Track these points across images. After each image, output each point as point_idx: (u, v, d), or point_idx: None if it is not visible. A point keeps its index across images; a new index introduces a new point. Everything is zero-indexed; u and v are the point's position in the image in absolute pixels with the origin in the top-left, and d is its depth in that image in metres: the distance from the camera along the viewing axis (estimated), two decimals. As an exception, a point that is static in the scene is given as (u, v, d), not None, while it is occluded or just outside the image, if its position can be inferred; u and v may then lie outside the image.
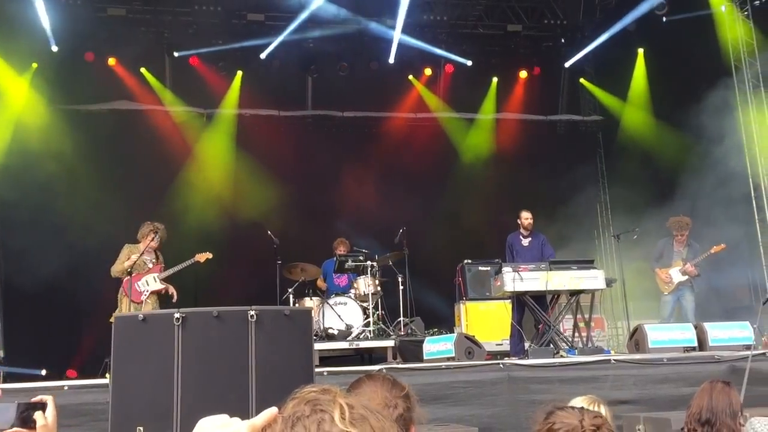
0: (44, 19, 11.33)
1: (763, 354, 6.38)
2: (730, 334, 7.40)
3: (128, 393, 4.53)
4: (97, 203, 11.25)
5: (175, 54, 12.92)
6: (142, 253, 7.98)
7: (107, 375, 5.74)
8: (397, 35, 12.93)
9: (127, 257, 7.96)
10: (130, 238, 8.46)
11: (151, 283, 8.01)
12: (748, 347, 6.88)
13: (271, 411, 1.20)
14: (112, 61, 12.68)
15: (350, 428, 1.12)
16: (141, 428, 4.29)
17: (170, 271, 8.22)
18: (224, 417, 1.22)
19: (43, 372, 9.67)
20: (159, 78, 13.13)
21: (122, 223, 9.90)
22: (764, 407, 5.17)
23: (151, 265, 8.12)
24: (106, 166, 11.81)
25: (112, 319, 4.94)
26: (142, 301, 7.89)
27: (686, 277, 9.12)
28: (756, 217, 10.93)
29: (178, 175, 12.52)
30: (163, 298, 8.15)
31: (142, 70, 12.91)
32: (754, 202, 10.93)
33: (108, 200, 11.39)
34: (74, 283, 11.16)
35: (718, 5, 11.41)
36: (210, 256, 8.39)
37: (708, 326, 7.47)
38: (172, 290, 8.16)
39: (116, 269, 7.96)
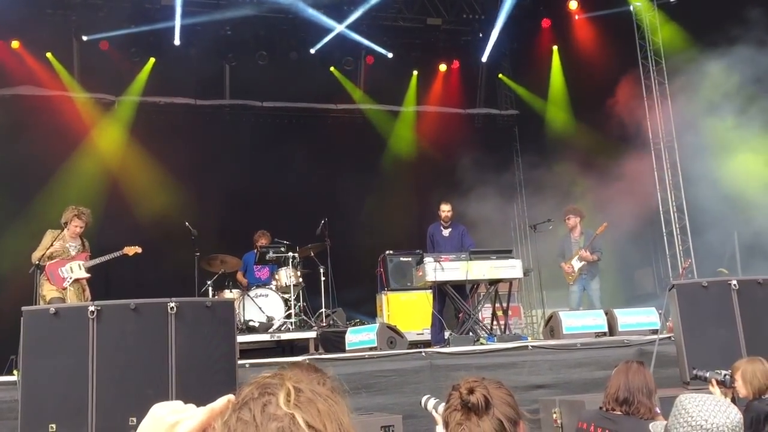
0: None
1: (668, 338, 6.71)
2: (637, 319, 7.76)
3: (39, 390, 4.33)
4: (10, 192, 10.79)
5: (84, 38, 12.36)
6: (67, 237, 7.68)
7: (15, 371, 5.45)
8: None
9: (50, 243, 7.58)
10: (34, 228, 8.09)
11: (75, 270, 7.67)
12: (654, 332, 7.25)
13: (228, 397, 1.18)
14: (15, 44, 12.02)
15: (294, 411, 1.11)
16: (53, 426, 4.12)
17: (96, 261, 7.89)
18: (179, 403, 1.19)
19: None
20: (66, 63, 12.55)
21: (24, 213, 9.45)
22: (670, 388, 5.46)
23: (74, 252, 7.76)
24: (8, 153, 11.21)
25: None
26: (65, 288, 7.54)
27: (583, 263, 9.51)
28: (660, 208, 11.51)
29: (87, 164, 12.03)
30: (81, 288, 7.80)
31: (48, 54, 12.31)
32: (658, 194, 11.51)
33: (8, 191, 10.89)
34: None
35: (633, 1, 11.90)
36: (139, 250, 8.14)
37: (617, 312, 7.80)
38: (87, 293, 7.84)
39: (37, 255, 7.54)
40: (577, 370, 6.65)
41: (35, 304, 7.10)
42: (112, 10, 12.26)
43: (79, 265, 7.72)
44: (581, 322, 7.74)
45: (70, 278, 7.62)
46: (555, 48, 13.90)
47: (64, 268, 7.63)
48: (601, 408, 3.63)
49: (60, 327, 4.44)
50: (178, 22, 12.27)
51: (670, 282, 7.11)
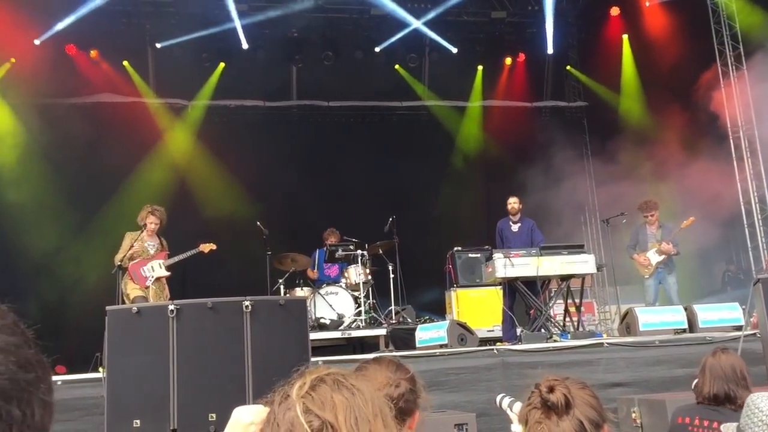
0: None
1: (753, 334, 6.43)
2: (719, 315, 7.47)
3: (123, 386, 4.49)
4: (76, 195, 11.28)
5: (158, 45, 12.77)
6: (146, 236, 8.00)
7: (100, 369, 5.68)
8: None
9: (129, 245, 7.89)
10: (112, 229, 8.43)
11: (156, 269, 7.97)
12: (738, 328, 6.95)
13: None
14: (94, 53, 12.54)
15: (303, 399, 1.14)
16: (138, 422, 4.27)
17: (175, 259, 8.15)
18: (260, 407, 1.28)
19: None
20: (142, 70, 13.01)
21: (103, 215, 9.83)
22: (758, 387, 5.23)
23: (153, 251, 8.04)
24: (88, 158, 11.71)
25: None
26: (147, 287, 7.85)
27: (663, 257, 9.18)
28: (741, 199, 11.04)
29: (160, 168, 12.45)
30: (162, 286, 8.08)
31: (125, 63, 12.79)
32: (738, 185, 11.04)
33: (87, 194, 11.40)
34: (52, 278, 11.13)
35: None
36: (214, 247, 8.34)
37: (698, 308, 7.53)
38: (167, 293, 8.11)
39: (118, 257, 7.89)
40: (656, 368, 6.45)
41: (118, 304, 7.38)
42: (184, 17, 12.63)
43: (159, 264, 8.00)
44: (659, 318, 7.51)
45: (152, 277, 7.91)
46: (625, 37, 13.51)
47: (146, 267, 7.92)
48: (699, 402, 3.49)
49: (142, 325, 4.59)
50: (239, 26, 12.53)
51: (755, 276, 6.81)
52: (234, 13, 12.34)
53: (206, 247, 8.28)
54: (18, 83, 11.69)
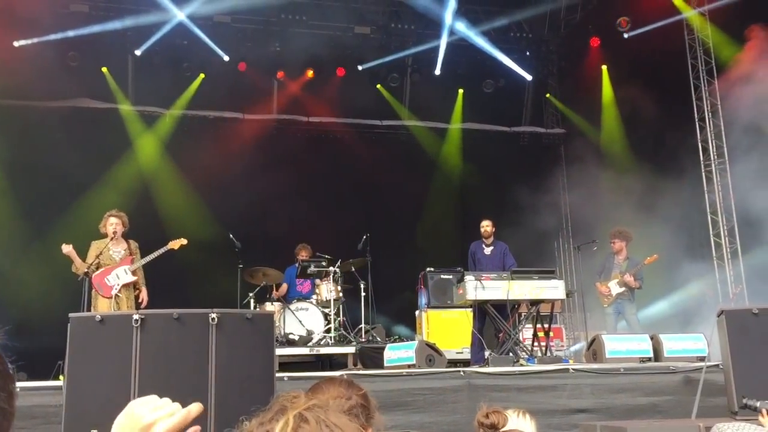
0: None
1: (716, 366, 6.51)
2: (684, 345, 7.54)
3: (83, 395, 4.42)
4: (40, 202, 11.15)
5: (137, 53, 12.72)
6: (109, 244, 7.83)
7: (61, 377, 5.59)
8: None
9: (96, 253, 7.76)
10: (79, 235, 8.31)
11: (121, 276, 7.79)
12: (701, 359, 7.03)
13: (199, 406, 1.21)
14: (73, 58, 12.44)
15: None
16: (95, 431, 4.19)
17: (142, 262, 7.96)
18: (154, 398, 1.21)
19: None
20: (121, 77, 12.95)
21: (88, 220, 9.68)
22: (718, 418, 5.29)
23: (118, 258, 7.88)
24: (68, 163, 11.59)
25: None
26: (112, 296, 7.66)
27: (624, 288, 9.33)
28: (711, 232, 11.23)
29: (139, 175, 12.38)
30: (129, 293, 7.89)
31: (104, 69, 12.73)
32: (709, 218, 11.24)
33: (53, 200, 11.27)
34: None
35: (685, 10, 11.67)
36: (185, 242, 8.15)
37: (663, 337, 7.60)
38: (143, 296, 7.96)
39: (81, 267, 7.67)
40: (620, 396, 6.49)
41: (83, 311, 7.26)
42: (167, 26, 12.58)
43: (125, 270, 7.83)
44: (625, 346, 7.56)
45: (118, 285, 7.75)
46: (604, 67, 13.74)
47: (110, 276, 7.77)
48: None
49: (105, 334, 4.54)
50: (210, 43, 12.57)
51: (719, 308, 6.90)
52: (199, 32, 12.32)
53: (176, 244, 8.09)
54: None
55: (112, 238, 7.81)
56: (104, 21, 12.27)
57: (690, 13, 11.67)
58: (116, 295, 7.71)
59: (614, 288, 9.41)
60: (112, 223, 7.85)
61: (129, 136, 12.77)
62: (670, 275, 10.65)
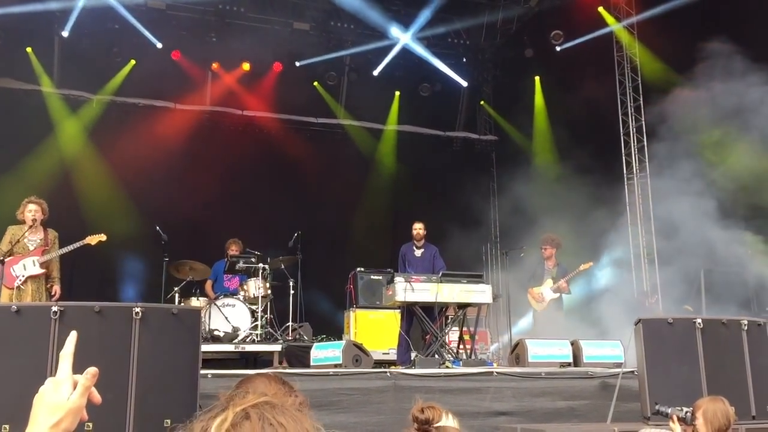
0: None
1: (632, 372, 6.76)
2: (602, 351, 7.81)
3: (-6, 389, 4.21)
4: None
5: (64, 34, 12.23)
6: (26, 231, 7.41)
7: (-31, 369, 5.30)
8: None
9: (8, 240, 7.35)
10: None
11: (29, 267, 7.35)
12: (618, 365, 7.29)
13: (93, 369, 1.32)
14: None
15: None
16: (6, 426, 4.01)
17: (53, 254, 7.54)
18: (51, 380, 1.30)
19: None
20: (47, 59, 12.43)
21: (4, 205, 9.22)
22: (631, 422, 5.50)
23: (32, 247, 7.45)
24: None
25: None
26: (14, 287, 7.22)
27: (558, 294, 9.60)
28: (630, 242, 11.67)
29: (62, 161, 11.91)
30: (40, 285, 7.47)
31: (28, 49, 12.19)
32: (629, 227, 11.68)
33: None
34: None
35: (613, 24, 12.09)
36: (104, 238, 7.75)
37: (583, 343, 7.84)
38: (56, 289, 7.57)
39: None
40: (540, 399, 6.66)
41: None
42: (97, 10, 12.15)
43: (33, 261, 7.40)
44: (547, 351, 7.76)
45: (23, 276, 7.31)
46: (537, 78, 14.09)
47: (17, 266, 7.34)
48: None
49: (21, 326, 4.34)
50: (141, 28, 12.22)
51: (636, 317, 7.17)
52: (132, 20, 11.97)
53: (94, 239, 7.68)
54: None
55: (30, 226, 7.44)
56: (30, 1, 11.74)
57: (617, 27, 12.09)
58: (18, 287, 7.28)
59: (547, 294, 9.63)
60: (31, 210, 7.45)
61: (51, 120, 12.28)
62: (592, 282, 11.01)
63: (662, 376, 5.54)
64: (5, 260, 7.26)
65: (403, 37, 13.38)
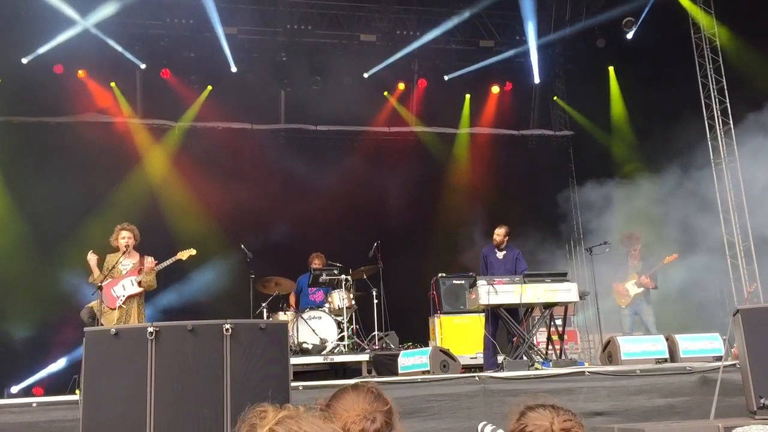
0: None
1: (734, 365, 6.45)
2: (700, 345, 7.48)
3: (99, 409, 4.42)
4: (67, 217, 11.20)
5: (142, 66, 12.81)
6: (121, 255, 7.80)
7: (77, 391, 5.61)
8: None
9: (108, 265, 7.74)
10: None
11: (128, 287, 7.75)
12: (718, 359, 6.97)
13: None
14: (81, 73, 12.57)
15: None
16: (112, 445, 4.20)
17: (151, 274, 7.86)
18: None
19: (14, 390, 9.49)
20: (129, 91, 13.05)
21: (98, 232, 9.73)
22: (736, 418, 5.24)
23: (125, 271, 7.83)
24: (84, 177, 11.68)
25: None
26: (116, 307, 7.63)
27: (642, 289, 9.29)
28: (723, 231, 11.15)
29: (149, 187, 12.45)
30: (134, 304, 7.82)
31: (112, 84, 12.84)
32: (721, 216, 11.16)
33: (80, 212, 11.33)
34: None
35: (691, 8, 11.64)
36: (193, 252, 8.05)
37: (679, 338, 7.55)
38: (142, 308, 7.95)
39: (97, 279, 7.63)
40: (637, 398, 6.44)
41: (99, 325, 7.27)
42: (173, 39, 12.68)
43: (131, 281, 7.78)
44: (640, 347, 7.52)
45: (123, 296, 7.71)
46: (611, 68, 13.72)
47: (116, 287, 7.74)
48: None
49: (120, 348, 4.54)
50: (227, 49, 12.62)
51: (735, 307, 6.85)
52: (222, 37, 12.41)
53: (185, 254, 8.00)
54: (3, 102, 11.70)
55: (124, 252, 7.81)
56: (111, 37, 12.35)
57: (693, 8, 11.63)
58: (121, 306, 7.67)
59: (632, 289, 9.37)
60: (124, 237, 7.84)
61: (138, 149, 12.85)
62: (686, 275, 10.58)
63: (766, 367, 5.26)
64: (103, 285, 7.63)
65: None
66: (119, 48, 12.30)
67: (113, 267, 7.73)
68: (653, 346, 7.48)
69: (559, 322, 8.61)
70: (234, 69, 12.98)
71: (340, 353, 9.03)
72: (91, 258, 7.70)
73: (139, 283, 7.80)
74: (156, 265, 7.81)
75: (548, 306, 8.27)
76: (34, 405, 5.47)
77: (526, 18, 13.16)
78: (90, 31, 11.79)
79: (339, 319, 9.32)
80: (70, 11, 11.30)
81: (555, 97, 15.24)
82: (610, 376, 6.66)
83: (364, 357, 8.84)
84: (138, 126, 13.02)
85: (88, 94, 12.67)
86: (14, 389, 10.42)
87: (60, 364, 10.95)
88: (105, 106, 12.84)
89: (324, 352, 8.99)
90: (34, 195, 11.43)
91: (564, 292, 8.04)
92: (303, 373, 8.71)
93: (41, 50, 11.70)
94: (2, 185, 11.59)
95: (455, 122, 14.55)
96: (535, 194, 13.31)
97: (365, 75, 13.72)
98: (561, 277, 8.24)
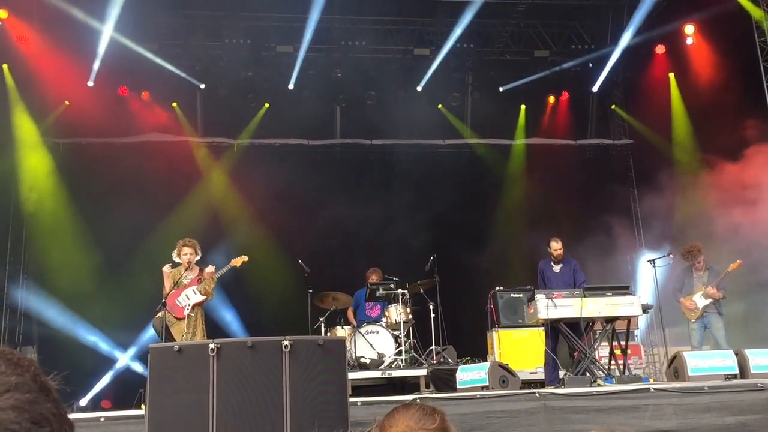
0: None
1: (809, 382, 6.17)
2: (772, 361, 7.19)
3: (164, 423, 4.53)
4: (132, 233, 11.56)
5: (202, 86, 13.16)
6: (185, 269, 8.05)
7: (143, 405, 5.75)
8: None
9: (171, 280, 7.99)
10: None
11: (191, 296, 7.98)
12: (792, 374, 6.68)
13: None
14: (145, 95, 13.01)
15: None
16: (177, 460, 4.29)
17: (212, 283, 8.09)
18: None
19: (83, 403, 9.81)
20: (190, 110, 13.41)
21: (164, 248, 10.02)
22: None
23: (187, 282, 8.06)
24: (148, 195, 12.05)
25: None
26: (184, 316, 7.88)
27: (710, 300, 8.98)
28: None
29: (208, 204, 12.74)
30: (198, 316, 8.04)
31: (174, 104, 13.23)
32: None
33: (141, 230, 11.68)
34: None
35: (754, 11, 11.27)
36: (246, 259, 8.22)
37: (749, 353, 7.27)
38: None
39: (166, 290, 7.95)
40: (705, 416, 6.22)
41: (164, 340, 7.47)
42: (231, 59, 13.00)
43: (193, 290, 8.01)
44: (708, 363, 7.27)
45: (189, 305, 7.93)
46: (671, 75, 13.39)
47: (180, 297, 7.96)
48: None
49: (183, 364, 4.65)
50: (296, 69, 12.89)
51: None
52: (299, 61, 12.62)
53: (238, 261, 8.18)
54: (71, 124, 12.20)
55: (186, 268, 8.03)
56: (172, 59, 12.73)
57: (759, 14, 11.26)
58: (188, 315, 7.91)
59: (699, 301, 9.07)
60: (186, 253, 8.07)
61: (199, 166, 13.18)
62: (754, 282, 10.18)
63: None
64: (166, 297, 7.87)
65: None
66: (179, 71, 12.67)
67: (176, 282, 7.95)
68: (722, 361, 7.22)
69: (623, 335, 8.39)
70: (291, 86, 13.21)
71: (398, 368, 9.00)
72: (166, 270, 7.99)
73: (201, 292, 8.02)
74: (215, 272, 8.02)
75: (610, 320, 8.07)
76: (102, 419, 5.65)
77: (585, 27, 13.03)
78: (152, 53, 12.23)
79: (396, 333, 9.30)
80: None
81: (613, 105, 14.93)
82: (677, 393, 6.45)
83: (422, 372, 8.80)
84: (198, 144, 13.37)
85: (151, 115, 13.08)
86: (83, 401, 10.77)
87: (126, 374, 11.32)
88: (167, 125, 13.22)
89: (382, 367, 8.98)
90: (101, 213, 11.85)
91: (626, 305, 7.85)
92: (361, 388, 8.72)
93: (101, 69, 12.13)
94: (71, 204, 12.04)
95: (510, 134, 14.42)
96: (594, 205, 13.04)
97: (418, 88, 13.75)
98: (623, 290, 8.05)
